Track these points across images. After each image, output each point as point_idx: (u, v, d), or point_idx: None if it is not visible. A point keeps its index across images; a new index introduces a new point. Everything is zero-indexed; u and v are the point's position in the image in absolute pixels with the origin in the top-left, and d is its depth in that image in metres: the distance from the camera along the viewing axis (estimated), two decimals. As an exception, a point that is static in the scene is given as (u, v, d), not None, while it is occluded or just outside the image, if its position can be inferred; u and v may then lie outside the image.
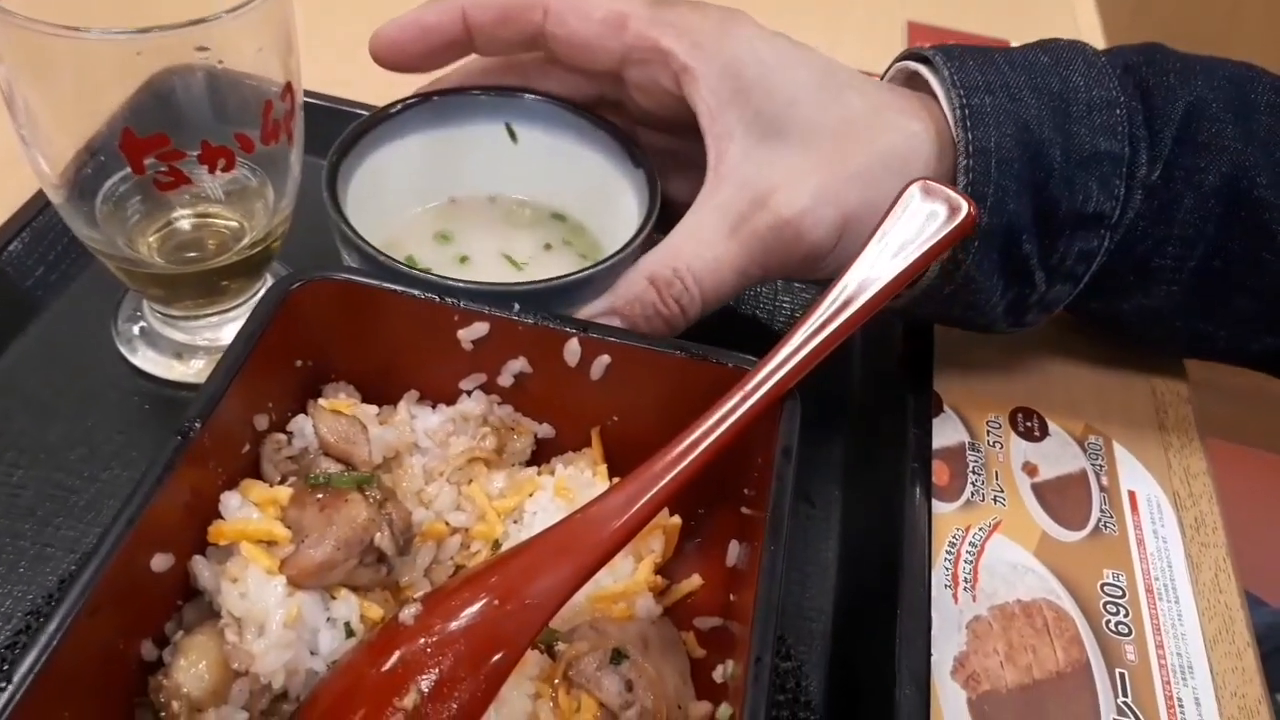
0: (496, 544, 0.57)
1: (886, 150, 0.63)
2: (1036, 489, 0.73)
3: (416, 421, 0.59)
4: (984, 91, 0.63)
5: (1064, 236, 0.66)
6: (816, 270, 0.65)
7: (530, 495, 0.58)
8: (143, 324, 0.73)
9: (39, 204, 0.76)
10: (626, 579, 0.56)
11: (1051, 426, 0.78)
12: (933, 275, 0.67)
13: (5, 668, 0.55)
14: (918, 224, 0.56)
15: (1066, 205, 0.64)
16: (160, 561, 0.48)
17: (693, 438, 0.51)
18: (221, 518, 0.51)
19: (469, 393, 0.60)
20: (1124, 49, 0.70)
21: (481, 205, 0.75)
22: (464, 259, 0.70)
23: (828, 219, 0.62)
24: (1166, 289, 0.70)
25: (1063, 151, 0.64)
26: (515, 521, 0.58)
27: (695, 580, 0.58)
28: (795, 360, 0.53)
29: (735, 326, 0.80)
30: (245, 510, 0.51)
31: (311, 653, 0.49)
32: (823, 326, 0.54)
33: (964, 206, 0.56)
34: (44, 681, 0.41)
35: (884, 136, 0.63)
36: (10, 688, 0.40)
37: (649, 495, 0.50)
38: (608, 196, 0.71)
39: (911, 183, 0.57)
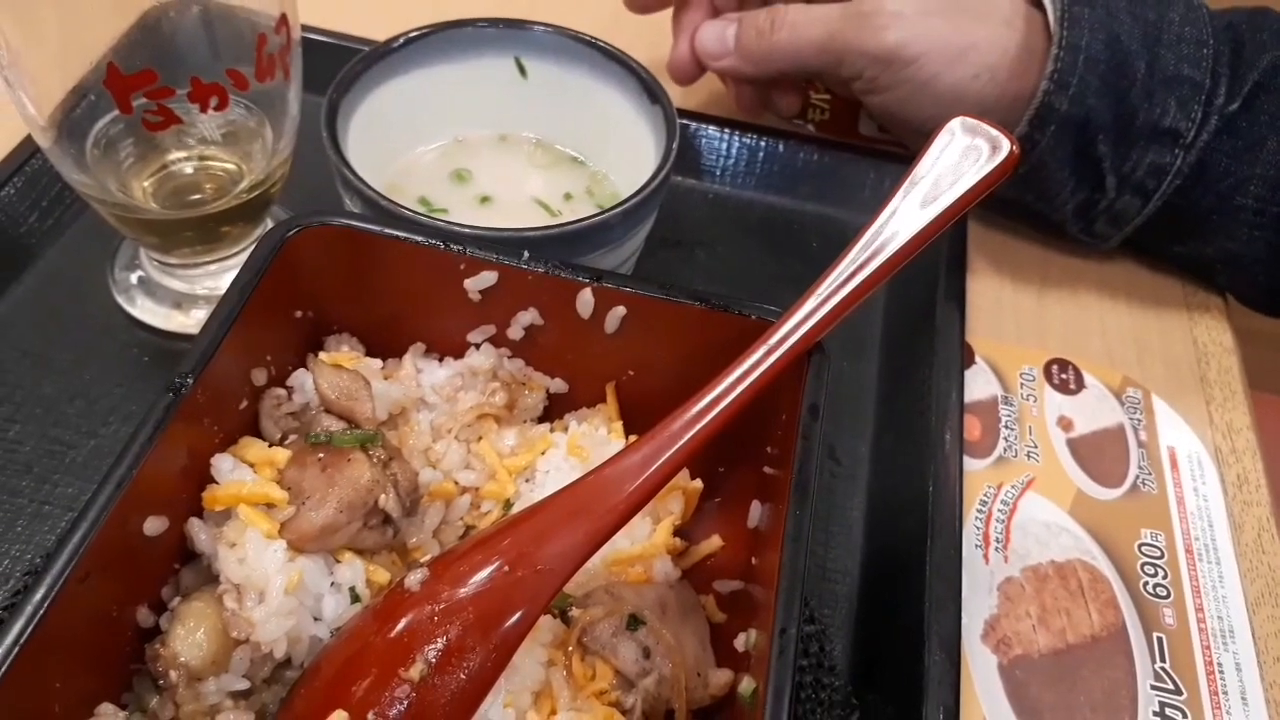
0: (508, 504, 0.54)
1: (986, 18, 0.72)
2: (1072, 444, 0.70)
3: (423, 376, 0.56)
4: (1085, 4, 0.70)
5: (1138, 146, 0.71)
6: (881, 81, 0.73)
7: (543, 453, 0.55)
8: (140, 273, 0.70)
9: (31, 147, 0.73)
10: (644, 541, 0.53)
11: (1088, 378, 0.74)
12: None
13: None
14: (954, 164, 0.52)
15: (1144, 116, 0.70)
16: (153, 525, 0.45)
17: (714, 394, 0.48)
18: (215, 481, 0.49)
19: (478, 345, 0.57)
20: (1236, 10, 0.74)
21: (490, 145, 0.71)
22: (485, 199, 0.67)
23: (909, 30, 0.70)
24: (1249, 232, 0.72)
25: (1147, 67, 0.69)
26: (527, 480, 0.55)
27: (715, 542, 0.56)
28: (823, 312, 0.50)
29: (759, 276, 0.76)
30: (239, 473, 0.48)
31: (315, 619, 0.47)
32: (852, 275, 0.50)
33: (1005, 144, 0.52)
34: (30, 652, 0.39)
35: (988, 12, 0.72)
36: (-4, 659, 0.38)
37: (668, 455, 0.47)
38: (624, 136, 0.67)
39: (950, 119, 0.53)
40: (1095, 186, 0.74)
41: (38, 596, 0.40)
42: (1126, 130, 0.70)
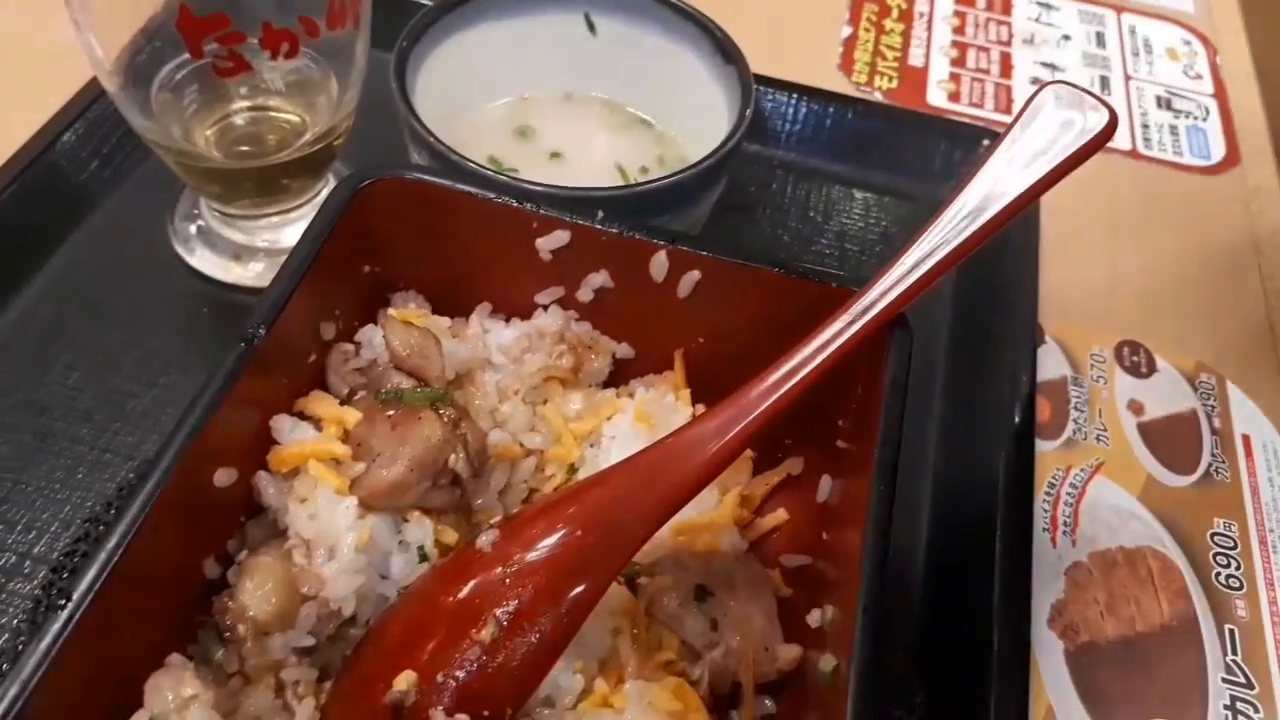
0: (572, 468, 0.53)
1: None
2: (1142, 429, 0.68)
3: (489, 336, 0.55)
4: None
5: None
6: None
7: (609, 419, 0.54)
8: (200, 223, 0.69)
9: (93, 93, 0.72)
10: (711, 511, 0.52)
11: (1160, 362, 0.72)
12: None
13: (66, 576, 0.53)
14: (1051, 133, 0.50)
15: None
16: (223, 476, 0.45)
17: (793, 363, 0.47)
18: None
19: (545, 307, 0.56)
20: None
21: (556, 104, 0.70)
22: (556, 155, 0.66)
23: None
24: None
25: None
26: (592, 445, 0.54)
27: (781, 515, 0.55)
28: (907, 283, 0.48)
29: (822, 243, 0.74)
30: (299, 432, 0.47)
31: (382, 577, 0.46)
32: (939, 246, 0.48)
33: (1104, 114, 0.50)
34: (104, 600, 0.39)
35: None
36: (70, 605, 0.38)
37: (744, 423, 0.46)
38: (696, 97, 0.65)
39: (1044, 85, 0.51)
40: None
41: (110, 544, 0.39)
42: None
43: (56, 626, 0.37)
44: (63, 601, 0.38)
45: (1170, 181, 0.85)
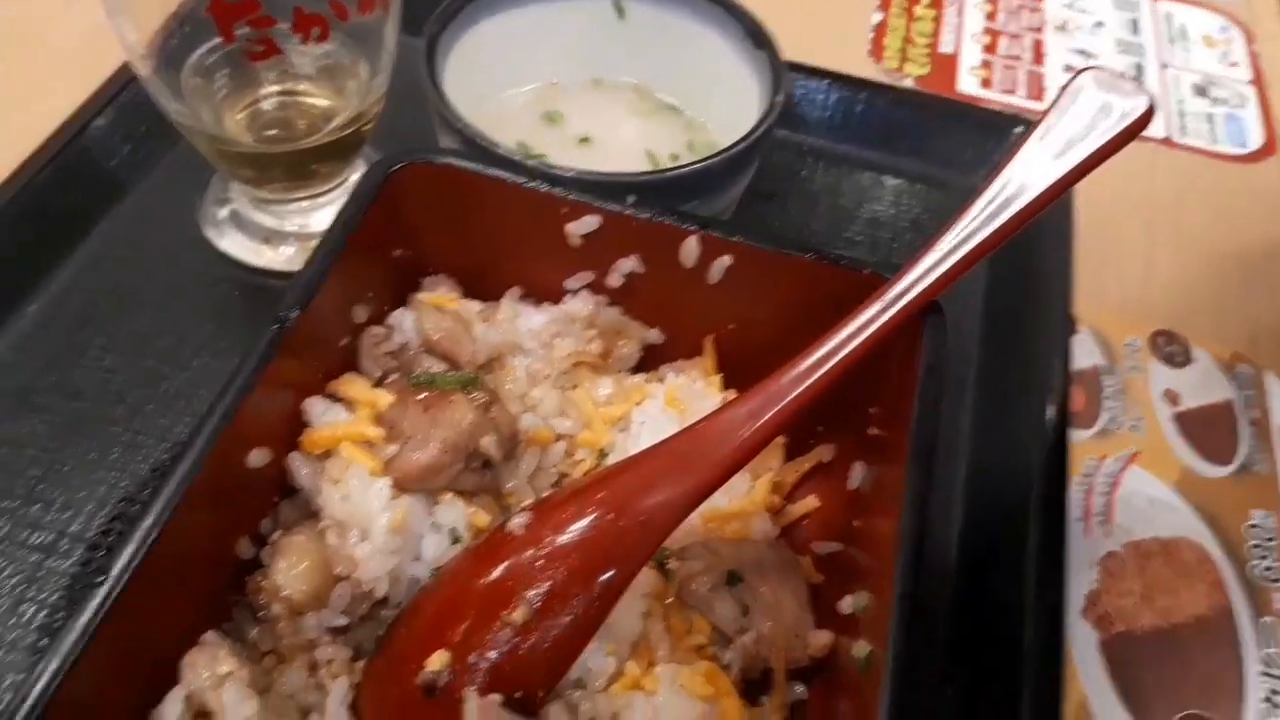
0: (602, 453, 0.53)
1: None
2: (1178, 419, 0.67)
3: (520, 321, 0.55)
4: None
5: None
6: None
7: (638, 404, 0.54)
8: (231, 207, 0.69)
9: (124, 78, 0.73)
10: (742, 498, 0.52)
11: (1195, 352, 0.71)
12: None
13: (101, 555, 0.54)
14: (1087, 119, 0.49)
15: None
16: (257, 457, 0.45)
17: (826, 349, 0.46)
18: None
19: (575, 292, 0.56)
20: None
21: (585, 89, 0.69)
22: (585, 140, 0.65)
23: None
24: None
25: None
26: (622, 430, 0.54)
27: (811, 501, 0.54)
28: (941, 270, 0.47)
29: (852, 231, 0.74)
30: (331, 414, 0.47)
31: (415, 558, 0.46)
32: (974, 233, 0.48)
33: (1142, 100, 0.49)
34: (141, 577, 0.39)
35: None
36: (108, 583, 0.38)
37: (776, 409, 0.46)
38: (726, 83, 0.65)
39: (1081, 71, 0.50)
40: None
41: (146, 523, 0.40)
42: None
43: (95, 603, 0.38)
44: (100, 579, 0.38)
45: (1206, 170, 0.84)
